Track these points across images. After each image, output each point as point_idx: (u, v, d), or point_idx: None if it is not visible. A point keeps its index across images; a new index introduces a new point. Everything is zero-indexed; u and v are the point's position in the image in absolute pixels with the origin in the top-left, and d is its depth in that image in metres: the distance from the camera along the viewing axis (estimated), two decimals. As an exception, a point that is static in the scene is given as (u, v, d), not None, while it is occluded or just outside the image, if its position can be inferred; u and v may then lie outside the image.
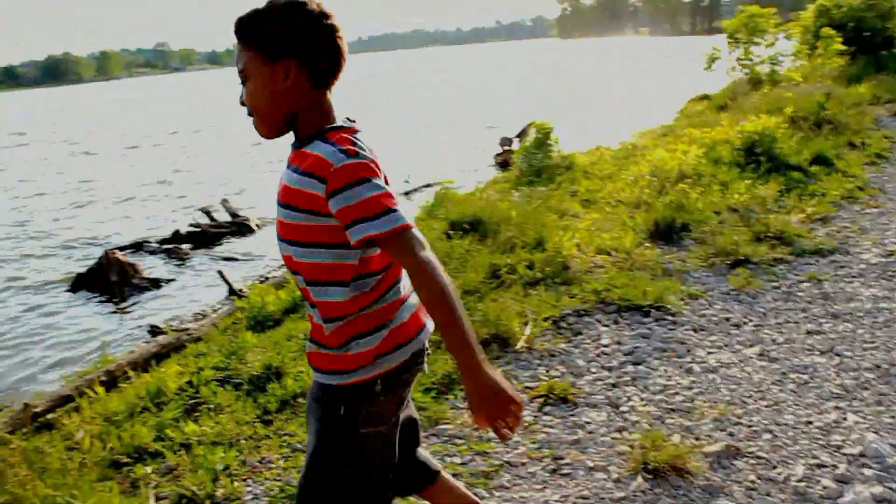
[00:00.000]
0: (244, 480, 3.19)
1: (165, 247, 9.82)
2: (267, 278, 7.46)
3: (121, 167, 20.40)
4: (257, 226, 10.66)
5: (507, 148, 12.80)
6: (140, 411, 3.96)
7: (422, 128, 21.79)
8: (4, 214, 13.83)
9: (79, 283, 8.46)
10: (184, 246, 9.74)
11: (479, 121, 21.66)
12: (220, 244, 9.93)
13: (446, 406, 3.55)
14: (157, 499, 3.15)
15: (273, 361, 4.14)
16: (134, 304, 7.89)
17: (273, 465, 3.26)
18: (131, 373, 4.64)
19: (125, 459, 3.50)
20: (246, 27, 1.77)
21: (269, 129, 1.81)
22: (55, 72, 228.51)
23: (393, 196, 1.68)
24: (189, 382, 4.19)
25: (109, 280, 8.20)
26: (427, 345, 1.93)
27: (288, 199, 1.75)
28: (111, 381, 4.60)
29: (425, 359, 1.95)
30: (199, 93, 70.87)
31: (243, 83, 1.80)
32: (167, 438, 3.61)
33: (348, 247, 1.69)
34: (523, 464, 3.05)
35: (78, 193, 15.75)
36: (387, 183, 1.74)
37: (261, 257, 9.13)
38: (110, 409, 4.05)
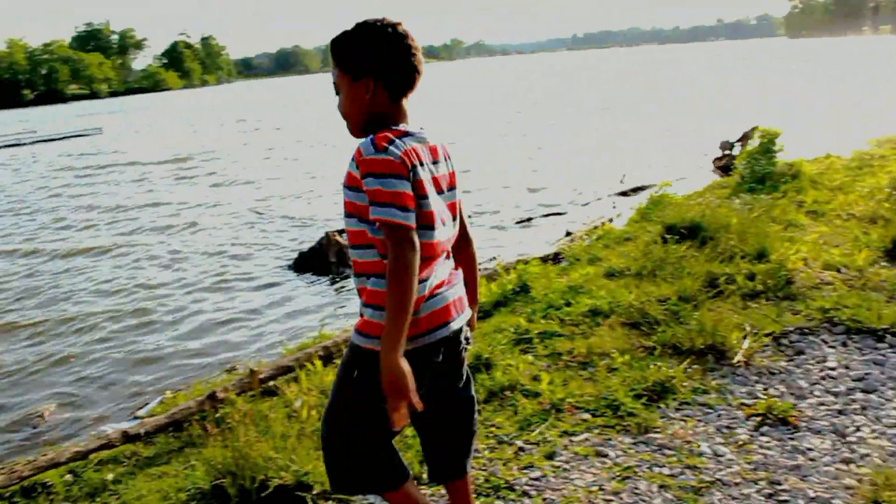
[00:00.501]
0: (449, 465, 3.27)
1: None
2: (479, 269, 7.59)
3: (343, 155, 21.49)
4: (469, 217, 10.85)
5: (727, 152, 12.26)
6: (354, 387, 4.17)
7: (635, 127, 21.30)
8: (244, 197, 14.93)
9: (301, 262, 9.02)
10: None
11: (695, 122, 20.90)
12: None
13: (657, 414, 3.47)
14: (368, 472, 3.31)
15: (483, 352, 4.22)
16: (350, 284, 8.28)
17: (479, 455, 3.32)
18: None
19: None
20: (335, 49, 2.16)
21: (355, 131, 2.19)
22: (285, 63, 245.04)
23: (402, 195, 1.97)
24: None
25: (328, 260, 8.69)
26: (457, 333, 2.22)
27: (345, 181, 2.10)
28: (327, 356, 4.86)
29: (456, 345, 2.25)
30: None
31: (337, 94, 2.20)
32: (378, 416, 3.78)
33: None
34: (736, 484, 2.91)
35: (305, 178, 16.75)
36: (432, 183, 2.11)
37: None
38: (326, 383, 4.29)
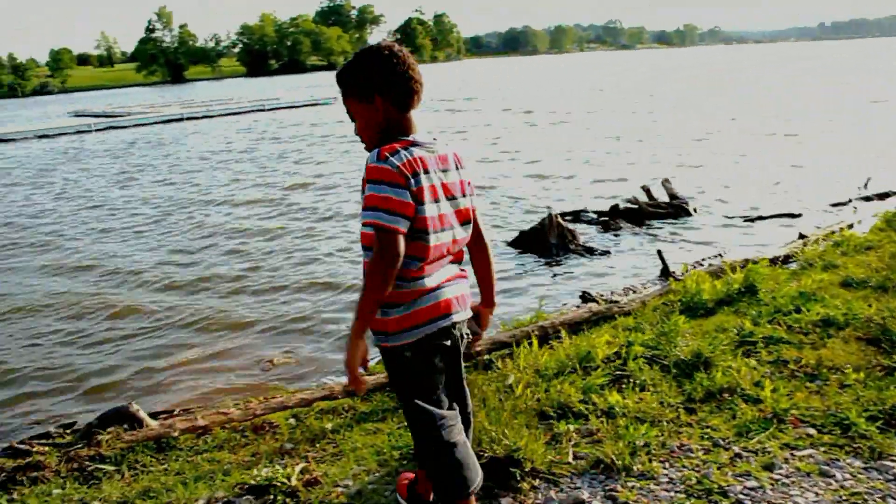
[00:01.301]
0: (662, 462, 3.22)
1: (602, 219, 10.13)
2: (702, 264, 7.35)
3: (577, 132, 21.44)
4: (695, 210, 10.49)
5: None
6: (568, 371, 4.19)
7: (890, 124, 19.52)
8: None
9: (521, 241, 9.12)
10: (618, 220, 9.97)
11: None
12: (654, 224, 9.97)
13: (894, 441, 3.22)
14: (576, 457, 3.32)
15: (703, 350, 4.10)
16: (567, 268, 8.28)
17: (692, 455, 3.24)
18: (563, 333, 4.90)
19: (550, 413, 3.74)
20: (342, 82, 2.42)
21: (371, 147, 2.36)
22: (514, 42, 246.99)
23: (392, 200, 2.21)
24: (616, 353, 4.33)
25: (548, 242, 8.73)
26: (460, 328, 2.50)
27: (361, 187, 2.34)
28: (543, 336, 4.91)
29: (456, 337, 2.49)
30: (648, 69, 71.37)
31: (353, 120, 2.45)
32: (591, 402, 3.77)
33: None
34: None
35: (549, 157, 16.82)
36: (438, 190, 2.35)
37: (695, 243, 8.98)
38: (541, 363, 4.34)
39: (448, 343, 2.46)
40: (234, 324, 7.21)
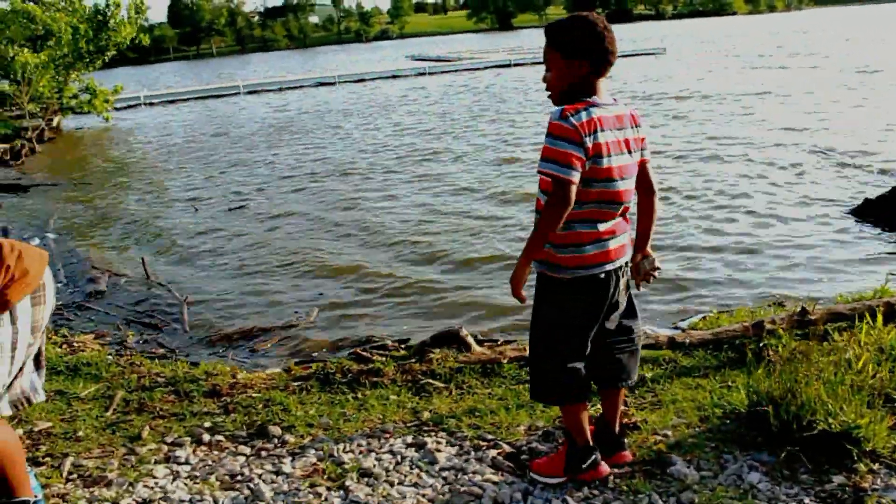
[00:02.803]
0: None
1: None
2: None
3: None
4: None
5: None
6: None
7: None
8: (812, 136, 14.11)
9: (865, 209, 8.29)
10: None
11: None
12: None
13: None
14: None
15: None
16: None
17: None
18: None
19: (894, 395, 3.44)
20: (552, 33, 2.70)
21: (557, 100, 2.73)
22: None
23: (566, 154, 2.54)
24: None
25: (899, 212, 7.87)
26: (616, 274, 2.79)
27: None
28: (890, 313, 4.50)
29: (611, 284, 2.79)
30: None
31: (546, 69, 2.76)
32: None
33: None
34: None
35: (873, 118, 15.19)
36: (617, 146, 2.67)
37: None
38: (885, 341, 3.98)
39: (609, 285, 2.78)
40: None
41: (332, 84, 36.18)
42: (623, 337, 3.00)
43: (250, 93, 34.94)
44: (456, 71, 38.71)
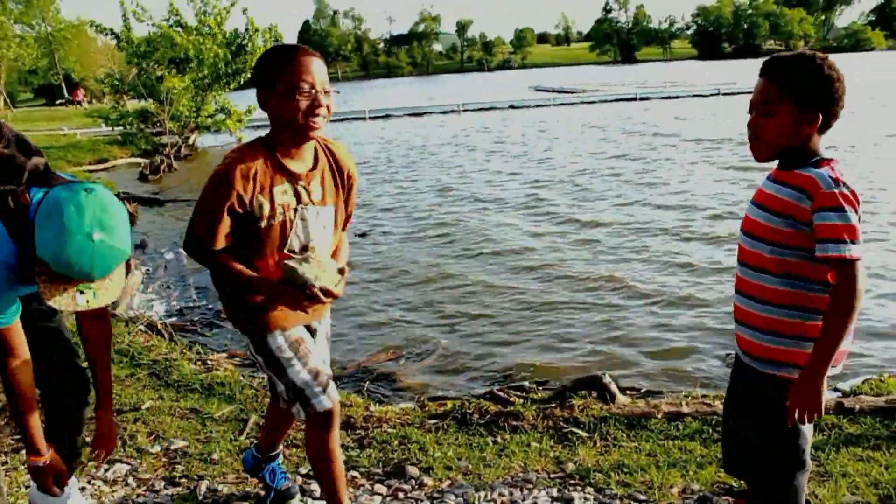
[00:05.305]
0: None
1: None
2: None
3: None
4: None
5: None
6: None
7: None
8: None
9: None
10: None
11: None
12: None
13: None
14: None
15: None
16: None
17: None
18: None
19: None
20: (786, 72, 2.21)
21: (762, 153, 2.29)
22: None
23: (857, 229, 2.07)
24: None
25: None
26: None
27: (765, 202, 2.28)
28: None
29: None
30: None
31: (763, 114, 2.24)
32: None
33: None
34: None
35: None
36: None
37: None
38: None
39: None
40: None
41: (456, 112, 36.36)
42: None
43: (374, 118, 35.54)
44: (582, 103, 38.28)
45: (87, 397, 3.02)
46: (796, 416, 2.17)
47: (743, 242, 2.35)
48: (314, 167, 2.60)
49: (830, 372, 2.22)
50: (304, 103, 2.39)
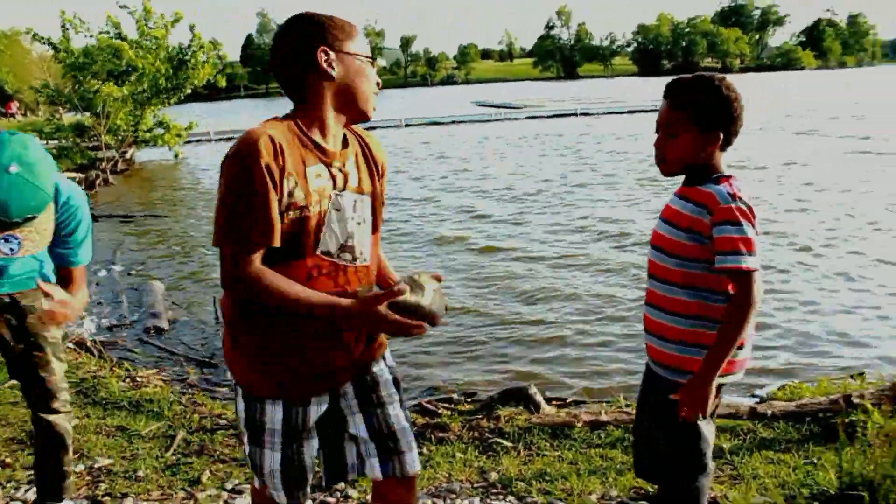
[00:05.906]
0: None
1: None
2: None
3: None
4: None
5: None
6: None
7: None
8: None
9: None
10: None
11: None
12: None
13: None
14: None
15: None
16: None
17: None
18: None
19: None
20: (686, 94, 2.31)
21: (668, 171, 2.37)
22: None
23: (753, 242, 2.17)
24: None
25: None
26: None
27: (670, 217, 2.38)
28: None
29: None
30: None
31: (668, 134, 2.32)
32: None
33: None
34: None
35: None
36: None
37: None
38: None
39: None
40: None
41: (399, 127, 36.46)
42: None
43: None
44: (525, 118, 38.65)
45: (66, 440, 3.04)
46: (683, 413, 2.28)
47: (652, 256, 2.43)
48: (345, 147, 2.09)
49: (732, 379, 2.33)
50: (374, 78, 2.09)
